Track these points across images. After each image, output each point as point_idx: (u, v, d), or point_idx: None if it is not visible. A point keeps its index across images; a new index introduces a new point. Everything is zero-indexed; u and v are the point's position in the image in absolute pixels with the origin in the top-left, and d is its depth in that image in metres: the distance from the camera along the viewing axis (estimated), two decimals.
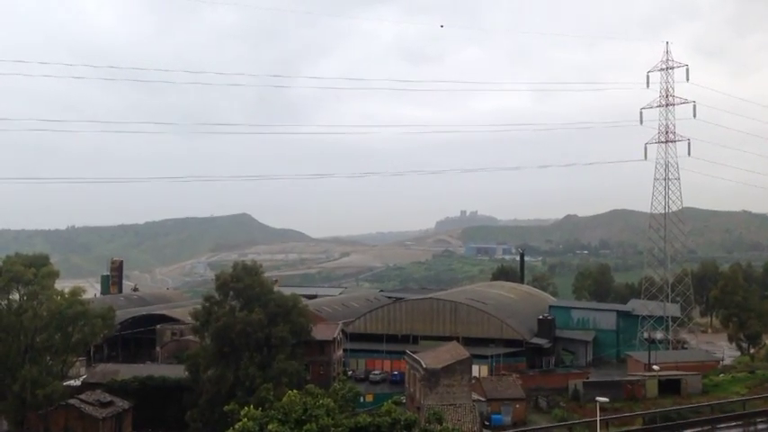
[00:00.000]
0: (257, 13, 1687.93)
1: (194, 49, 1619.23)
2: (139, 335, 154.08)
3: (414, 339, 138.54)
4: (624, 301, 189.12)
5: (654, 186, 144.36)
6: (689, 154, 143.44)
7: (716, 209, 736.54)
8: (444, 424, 49.77)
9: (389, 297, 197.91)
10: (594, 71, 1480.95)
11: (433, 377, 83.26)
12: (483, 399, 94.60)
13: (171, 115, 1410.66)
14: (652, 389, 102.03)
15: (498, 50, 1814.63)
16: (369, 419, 43.22)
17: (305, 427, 40.66)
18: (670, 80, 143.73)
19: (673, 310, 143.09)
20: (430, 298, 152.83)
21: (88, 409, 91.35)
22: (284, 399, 54.56)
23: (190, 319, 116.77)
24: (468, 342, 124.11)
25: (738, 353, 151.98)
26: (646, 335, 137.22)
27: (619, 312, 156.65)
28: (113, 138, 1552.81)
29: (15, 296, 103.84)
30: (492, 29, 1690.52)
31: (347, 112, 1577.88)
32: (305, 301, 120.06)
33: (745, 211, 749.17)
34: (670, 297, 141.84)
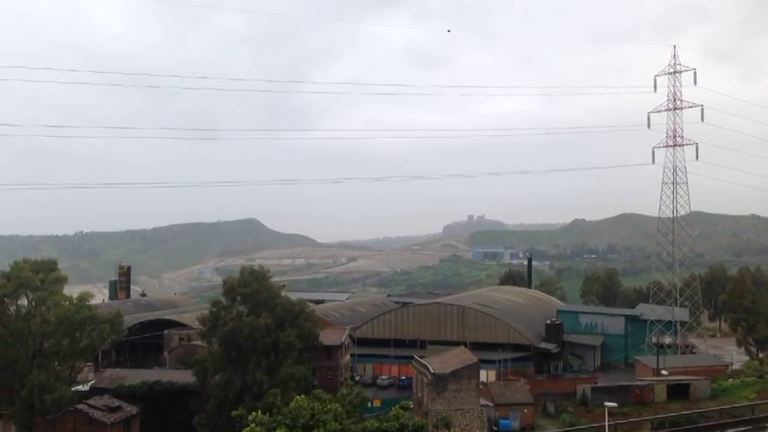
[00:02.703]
0: (266, 19, 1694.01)
1: (203, 54, 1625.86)
2: (147, 340, 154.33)
3: (421, 344, 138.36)
4: (632, 306, 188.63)
5: (662, 190, 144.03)
6: (697, 158, 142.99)
7: (724, 212, 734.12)
8: (452, 429, 49.71)
9: (397, 302, 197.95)
10: (604, 75, 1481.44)
11: (440, 382, 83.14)
12: (491, 404, 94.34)
13: (179, 121, 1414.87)
14: (660, 394, 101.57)
15: (507, 54, 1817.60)
16: (376, 424, 43.24)
17: None
18: (677, 84, 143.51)
19: (681, 314, 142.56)
20: (437, 303, 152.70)
21: (96, 414, 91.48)
22: (292, 404, 54.52)
23: (197, 324, 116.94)
24: (475, 347, 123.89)
25: (747, 357, 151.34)
26: (654, 339, 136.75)
27: (627, 317, 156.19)
28: (122, 143, 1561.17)
29: (24, 302, 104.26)
30: (501, 33, 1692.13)
31: (356, 116, 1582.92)
32: (312, 306, 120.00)
33: (753, 215, 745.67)
34: (678, 301, 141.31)
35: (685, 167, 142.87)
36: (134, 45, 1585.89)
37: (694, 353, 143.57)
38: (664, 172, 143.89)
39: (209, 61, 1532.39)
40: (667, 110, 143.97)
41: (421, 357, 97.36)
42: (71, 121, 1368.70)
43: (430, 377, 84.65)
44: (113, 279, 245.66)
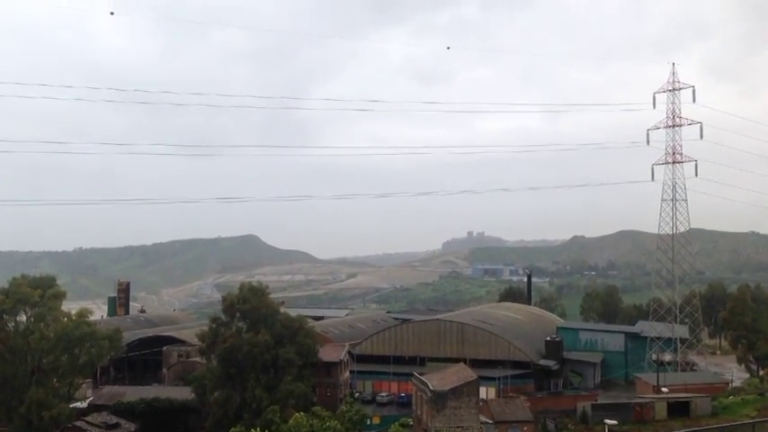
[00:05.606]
0: (266, 35, 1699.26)
1: (203, 70, 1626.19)
2: (146, 356, 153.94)
3: (421, 361, 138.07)
4: (632, 323, 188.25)
5: (661, 207, 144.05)
6: (696, 175, 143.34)
7: (724, 230, 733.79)
8: None
9: (396, 318, 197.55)
10: (605, 91, 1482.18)
11: (440, 399, 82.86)
12: (490, 421, 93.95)
13: (180, 136, 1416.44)
14: (661, 411, 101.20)
15: (509, 70, 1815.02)
16: None
17: None
18: (676, 101, 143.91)
19: (681, 331, 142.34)
20: (437, 319, 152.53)
21: (94, 431, 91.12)
22: (291, 421, 54.82)
23: (196, 340, 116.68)
24: (475, 364, 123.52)
25: (748, 374, 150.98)
26: (654, 357, 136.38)
27: (627, 334, 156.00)
28: (122, 159, 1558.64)
29: (22, 318, 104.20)
30: (502, 49, 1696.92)
31: (356, 132, 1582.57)
32: (311, 323, 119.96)
33: (753, 232, 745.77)
34: (678, 318, 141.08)
35: (684, 184, 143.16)
36: (134, 60, 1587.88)
37: (695, 370, 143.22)
38: (663, 189, 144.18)
39: (210, 77, 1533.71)
40: (666, 127, 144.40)
41: (420, 374, 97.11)
42: (71, 137, 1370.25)
43: (429, 394, 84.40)
44: (112, 295, 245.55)
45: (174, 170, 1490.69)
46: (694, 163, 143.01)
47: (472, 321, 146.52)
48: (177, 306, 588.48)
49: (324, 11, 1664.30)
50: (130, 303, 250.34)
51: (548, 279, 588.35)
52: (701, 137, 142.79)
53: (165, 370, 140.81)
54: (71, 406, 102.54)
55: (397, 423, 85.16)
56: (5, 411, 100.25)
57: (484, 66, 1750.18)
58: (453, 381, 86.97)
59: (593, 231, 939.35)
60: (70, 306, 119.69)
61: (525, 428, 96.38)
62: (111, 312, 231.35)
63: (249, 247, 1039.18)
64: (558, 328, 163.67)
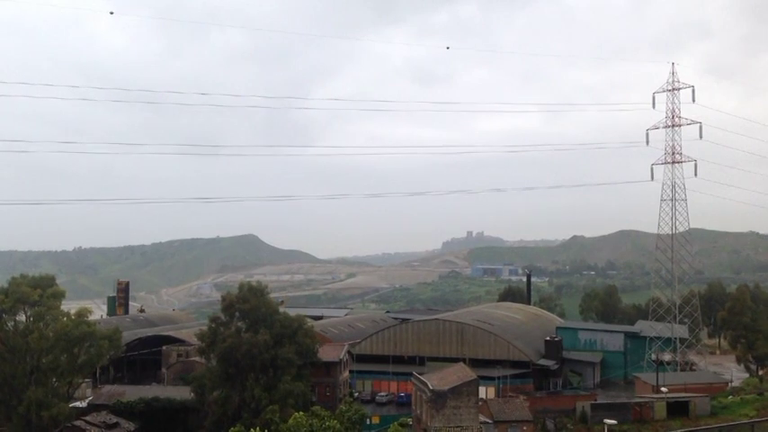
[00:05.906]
0: (267, 35, 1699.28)
1: (204, 70, 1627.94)
2: (145, 356, 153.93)
3: (420, 360, 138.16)
4: (632, 323, 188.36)
5: (661, 207, 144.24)
6: (695, 175, 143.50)
7: (723, 230, 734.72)
8: None
9: (396, 318, 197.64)
10: (605, 91, 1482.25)
11: (439, 399, 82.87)
12: (490, 421, 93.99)
13: (180, 137, 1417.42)
14: (660, 411, 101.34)
15: (508, 71, 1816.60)
16: None
17: None
18: (676, 101, 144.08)
19: (680, 331, 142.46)
20: (436, 319, 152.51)
21: (94, 430, 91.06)
22: (290, 421, 54.71)
23: (196, 340, 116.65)
24: (474, 363, 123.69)
25: (747, 374, 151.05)
26: (654, 356, 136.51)
27: (626, 334, 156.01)
28: (121, 159, 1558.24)
29: (22, 317, 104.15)
30: (502, 50, 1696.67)
31: (357, 132, 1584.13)
32: (311, 323, 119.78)
33: (752, 232, 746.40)
34: (678, 318, 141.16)
35: (684, 184, 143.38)
36: (135, 61, 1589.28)
37: (694, 370, 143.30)
38: (663, 189, 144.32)
39: (210, 77, 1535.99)
40: (666, 127, 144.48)
41: (420, 374, 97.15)
42: (72, 137, 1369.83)
43: (429, 394, 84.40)
44: (112, 295, 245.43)
45: (174, 170, 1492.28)
46: (694, 163, 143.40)
47: (471, 321, 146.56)
48: (177, 306, 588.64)
49: (324, 11, 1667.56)
50: (130, 303, 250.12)
51: (547, 279, 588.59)
52: (701, 137, 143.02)
53: (164, 369, 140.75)
54: (70, 405, 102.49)
55: (396, 423, 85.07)
56: (5, 411, 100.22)
57: (484, 66, 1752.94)
58: (453, 380, 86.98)
59: (592, 231, 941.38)
60: (69, 306, 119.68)
61: (524, 428, 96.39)
62: (111, 312, 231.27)
63: (249, 247, 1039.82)
64: (557, 327, 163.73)
